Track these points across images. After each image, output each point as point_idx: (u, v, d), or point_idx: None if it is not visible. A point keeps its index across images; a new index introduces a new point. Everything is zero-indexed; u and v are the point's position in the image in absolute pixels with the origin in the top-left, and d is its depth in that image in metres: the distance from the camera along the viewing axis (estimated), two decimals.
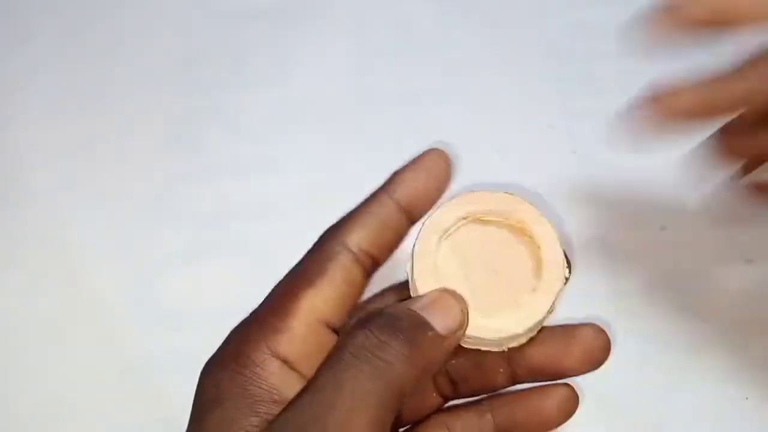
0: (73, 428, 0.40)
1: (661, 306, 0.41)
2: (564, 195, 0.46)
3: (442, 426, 0.28)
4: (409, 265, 0.26)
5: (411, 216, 0.27)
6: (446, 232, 0.26)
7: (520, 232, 0.26)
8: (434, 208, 0.27)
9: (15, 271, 0.44)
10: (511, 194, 0.27)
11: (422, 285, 0.25)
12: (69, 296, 0.43)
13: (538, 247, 0.26)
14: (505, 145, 0.48)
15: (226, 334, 0.26)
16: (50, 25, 0.54)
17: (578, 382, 0.41)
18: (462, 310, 0.25)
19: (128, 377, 0.41)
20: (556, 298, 0.25)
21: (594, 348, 0.26)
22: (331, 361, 0.23)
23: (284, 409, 0.23)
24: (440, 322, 0.24)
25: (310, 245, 0.27)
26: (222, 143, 0.49)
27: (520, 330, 0.25)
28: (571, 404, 0.27)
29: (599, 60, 0.51)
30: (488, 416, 0.28)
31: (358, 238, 0.26)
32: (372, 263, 0.26)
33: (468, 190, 0.27)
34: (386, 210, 0.26)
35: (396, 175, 0.27)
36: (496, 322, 0.25)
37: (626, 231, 0.44)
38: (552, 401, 0.27)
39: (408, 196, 0.26)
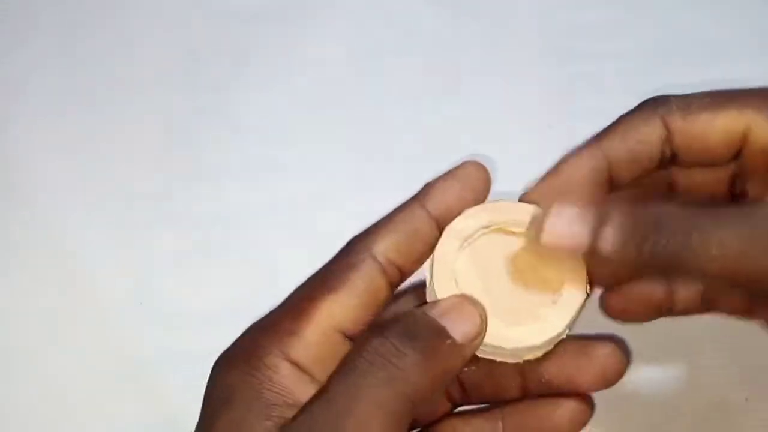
0: (73, 428, 0.40)
1: None
2: None
3: (451, 431, 0.28)
4: (428, 270, 0.25)
5: (443, 228, 0.26)
6: (468, 239, 0.25)
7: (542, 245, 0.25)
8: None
9: (15, 271, 0.44)
10: (535, 206, 0.26)
11: (441, 290, 0.25)
12: (69, 296, 0.43)
13: (560, 261, 0.25)
14: (505, 145, 0.48)
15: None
16: (50, 25, 0.54)
17: None
18: (481, 317, 0.24)
19: (128, 377, 0.41)
20: (576, 314, 0.25)
21: (610, 368, 0.26)
22: (346, 367, 0.23)
23: (297, 414, 0.23)
24: (458, 329, 0.23)
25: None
26: (222, 143, 0.49)
27: (537, 342, 0.24)
28: (583, 416, 0.27)
29: (599, 60, 0.51)
30: (499, 423, 0.27)
31: (385, 247, 0.25)
32: (398, 274, 0.26)
33: (492, 199, 0.26)
34: (417, 220, 0.25)
35: (429, 185, 0.26)
36: (514, 333, 0.24)
37: None
38: (564, 411, 0.27)
39: (440, 206, 0.26)
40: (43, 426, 0.40)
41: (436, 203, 0.26)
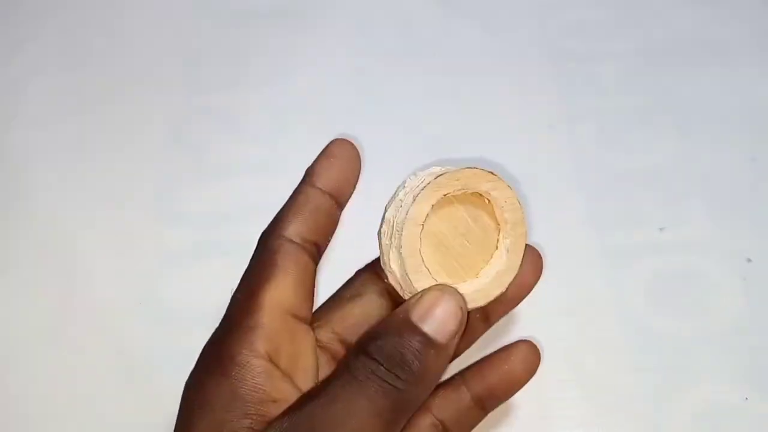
0: (73, 428, 0.40)
1: (660, 306, 0.41)
2: (563, 195, 0.46)
3: (422, 408, 0.29)
4: (379, 243, 0.27)
5: (337, 201, 0.28)
6: (422, 223, 0.26)
7: (481, 199, 0.27)
8: (411, 200, 0.27)
9: (15, 271, 0.44)
10: (474, 168, 0.27)
11: (418, 281, 0.26)
12: (69, 296, 0.43)
13: (498, 208, 0.27)
14: (506, 145, 0.48)
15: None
16: (50, 25, 0.54)
17: (576, 382, 0.41)
18: (462, 309, 0.25)
19: (128, 377, 0.41)
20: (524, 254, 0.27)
21: (536, 260, 0.29)
22: (343, 376, 0.24)
23: (290, 412, 0.23)
24: (442, 332, 0.24)
25: None
26: (222, 143, 0.49)
27: (503, 289, 0.27)
28: (534, 358, 0.29)
29: (599, 60, 0.51)
30: (463, 388, 0.29)
31: (295, 229, 0.27)
32: (316, 249, 0.27)
33: (429, 168, 0.27)
34: (313, 198, 0.27)
35: (310, 168, 0.28)
36: (481, 292, 0.26)
37: (626, 231, 0.44)
38: (516, 360, 0.29)
39: (329, 182, 0.28)
40: (44, 425, 0.40)
41: (324, 180, 0.28)
